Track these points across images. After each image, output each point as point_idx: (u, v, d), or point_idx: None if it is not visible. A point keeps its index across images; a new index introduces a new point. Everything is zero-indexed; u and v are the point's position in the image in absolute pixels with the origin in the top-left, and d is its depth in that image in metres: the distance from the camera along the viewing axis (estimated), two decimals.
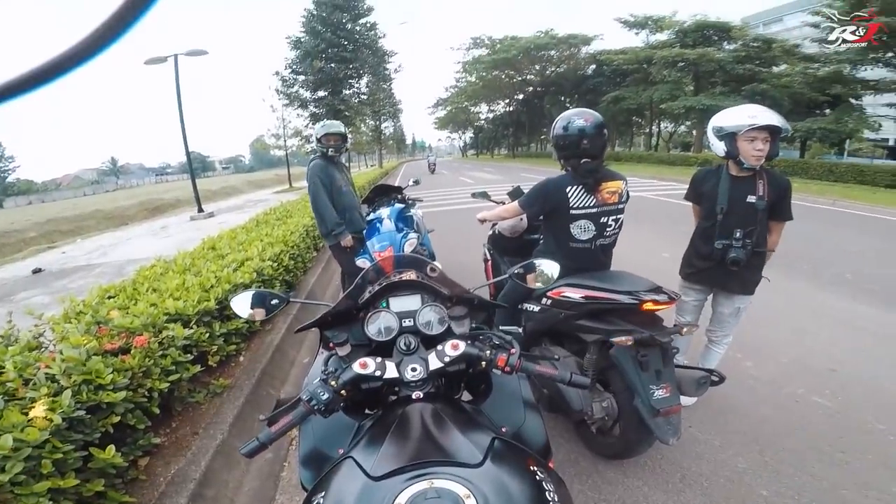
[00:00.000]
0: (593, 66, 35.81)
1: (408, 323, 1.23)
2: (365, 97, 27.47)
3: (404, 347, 1.15)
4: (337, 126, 3.65)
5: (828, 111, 21.54)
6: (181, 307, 2.44)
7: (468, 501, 0.71)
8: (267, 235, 4.47)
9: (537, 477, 0.82)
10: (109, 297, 2.79)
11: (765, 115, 2.00)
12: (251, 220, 6.01)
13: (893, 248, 6.31)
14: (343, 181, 3.62)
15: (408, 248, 3.34)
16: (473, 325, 1.28)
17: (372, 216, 3.98)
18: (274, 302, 1.34)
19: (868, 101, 21.65)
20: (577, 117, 2.11)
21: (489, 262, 3.30)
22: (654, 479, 2.02)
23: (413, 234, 3.65)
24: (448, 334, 1.20)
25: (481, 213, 2.69)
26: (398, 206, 4.08)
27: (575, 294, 2.01)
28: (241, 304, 1.32)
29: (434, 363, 1.08)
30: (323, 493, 0.82)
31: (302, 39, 23.74)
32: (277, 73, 23.85)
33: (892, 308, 3.90)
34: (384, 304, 1.26)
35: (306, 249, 4.80)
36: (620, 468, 2.08)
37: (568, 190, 2.10)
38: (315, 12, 23.29)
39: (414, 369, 1.07)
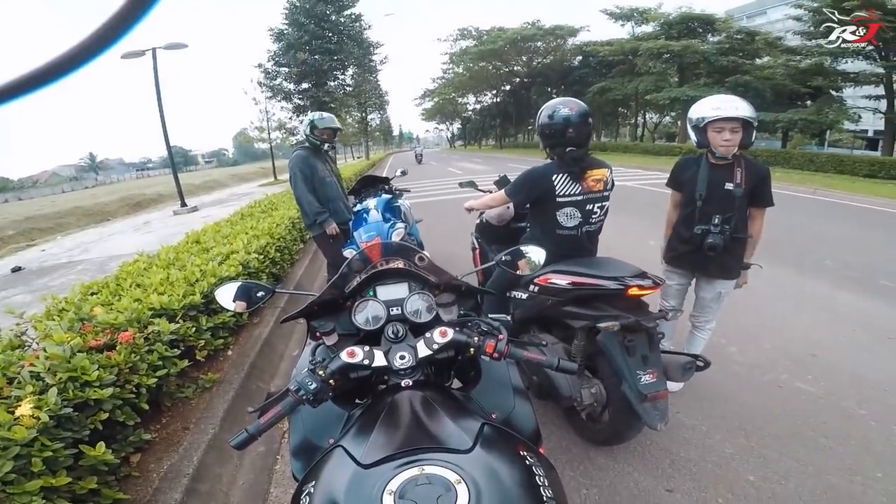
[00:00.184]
0: (579, 58, 35.91)
1: (395, 311, 1.23)
2: (350, 89, 27.19)
3: (392, 335, 1.15)
4: (334, 121, 3.66)
5: (809, 103, 21.92)
6: (166, 302, 2.40)
7: (459, 487, 0.72)
8: (252, 228, 4.42)
9: (527, 462, 0.83)
10: (92, 294, 2.74)
11: (728, 107, 2.05)
12: (236, 214, 5.94)
13: (872, 235, 6.49)
14: (326, 172, 3.60)
15: (395, 238, 3.32)
16: (461, 312, 1.28)
17: (359, 207, 3.95)
18: (260, 294, 1.32)
19: (848, 93, 22.10)
20: (562, 106, 2.13)
21: (477, 251, 3.32)
22: (644, 465, 2.05)
23: (401, 224, 3.64)
24: (436, 322, 1.20)
25: (468, 203, 2.70)
26: (385, 196, 4.06)
27: (561, 280, 2.03)
28: (227, 296, 1.31)
29: (422, 351, 1.08)
30: (313, 483, 0.82)
31: (285, 31, 23.33)
32: (260, 66, 23.47)
33: (869, 294, 4.01)
34: (371, 293, 1.26)
35: (293, 241, 4.75)
36: (611, 454, 2.11)
37: (554, 178, 2.12)
38: (298, 4, 22.84)
39: (402, 357, 1.07)
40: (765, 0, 39.69)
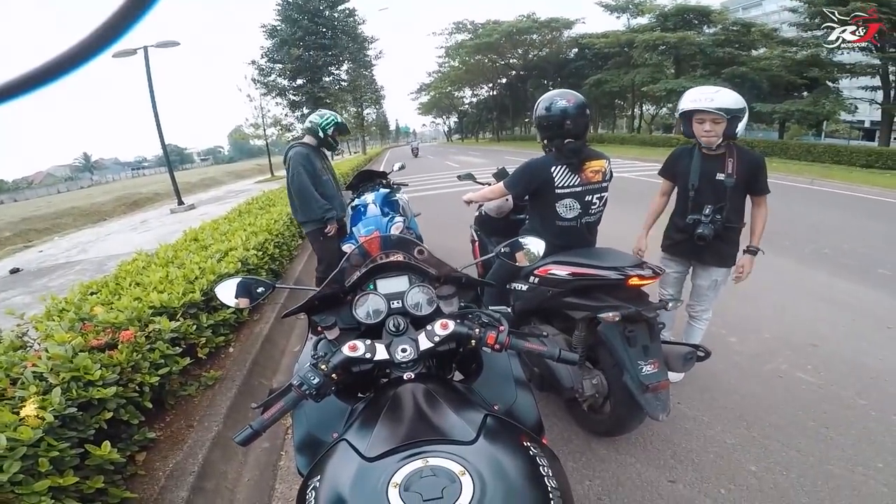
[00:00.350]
0: (575, 50, 35.84)
1: (396, 304, 1.23)
2: (345, 84, 27.06)
3: (393, 329, 1.15)
4: (343, 123, 3.62)
5: (805, 94, 21.92)
6: (166, 300, 2.40)
7: (463, 478, 0.72)
8: (250, 225, 4.42)
9: (531, 452, 0.83)
10: (92, 294, 2.73)
11: (704, 99, 2.07)
12: (233, 211, 5.92)
13: (869, 224, 6.51)
14: (323, 169, 3.57)
15: (394, 232, 3.32)
16: (462, 304, 1.28)
17: (357, 202, 3.93)
18: (260, 289, 1.32)
19: (844, 84, 22.10)
20: (560, 98, 2.12)
21: (476, 244, 3.32)
22: (646, 456, 2.06)
23: (399, 218, 3.63)
24: (437, 314, 1.20)
25: (467, 195, 2.70)
26: (383, 190, 4.05)
27: (562, 271, 2.03)
28: (227, 293, 1.30)
29: (424, 343, 1.08)
30: (318, 477, 0.82)
31: (278, 27, 23.21)
32: (254, 63, 23.35)
33: (868, 283, 4.03)
34: (371, 287, 1.26)
35: (291, 237, 4.75)
36: (613, 445, 2.12)
37: (552, 169, 2.12)
38: (291, 0, 22.69)
39: (404, 350, 1.07)
40: None
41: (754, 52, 24.66)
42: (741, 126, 2.11)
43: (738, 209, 2.27)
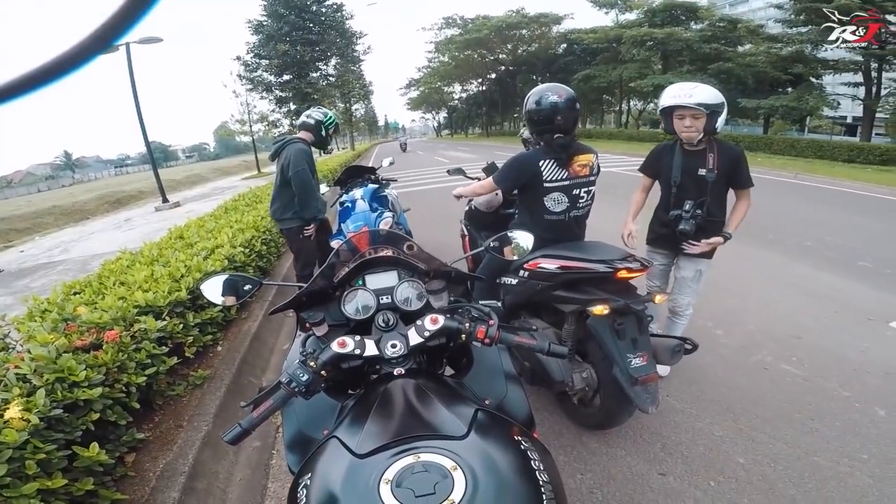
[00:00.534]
0: (564, 45, 35.84)
1: (385, 300, 1.22)
2: (333, 79, 26.81)
3: (383, 324, 1.15)
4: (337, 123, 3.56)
5: (790, 89, 22.19)
6: (151, 299, 2.36)
7: (455, 473, 0.72)
8: (237, 222, 4.36)
9: (522, 446, 0.83)
10: (75, 294, 2.68)
11: (683, 94, 2.09)
12: (220, 208, 5.84)
13: (851, 218, 6.64)
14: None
15: (384, 228, 3.29)
16: (452, 299, 1.28)
17: (345, 197, 3.88)
18: (247, 287, 1.30)
19: (828, 81, 22.45)
20: (551, 93, 2.12)
21: (466, 238, 3.32)
22: (636, 449, 2.08)
23: (388, 214, 3.60)
24: (427, 309, 1.20)
25: (457, 189, 2.71)
26: (372, 186, 4.00)
27: (551, 265, 2.04)
28: (214, 291, 1.28)
29: (414, 338, 1.08)
30: (309, 475, 0.82)
31: (264, 23, 22.88)
32: (239, 58, 23.02)
33: (849, 275, 4.12)
34: (360, 282, 1.25)
35: (279, 234, 4.69)
36: (603, 439, 2.14)
37: (541, 164, 2.13)
38: None
39: (394, 346, 1.07)
40: None
41: (740, 49, 24.91)
42: (720, 121, 2.12)
43: (720, 203, 2.29)
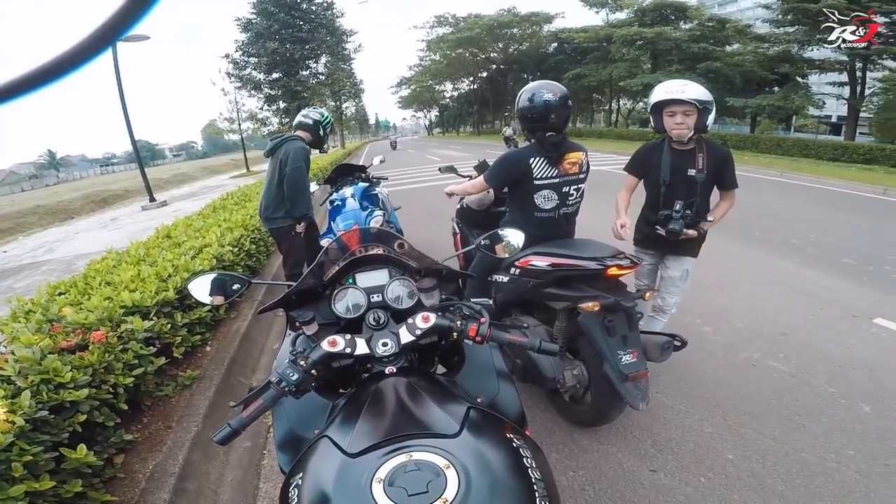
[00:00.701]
0: (555, 44, 35.91)
1: (376, 298, 1.22)
2: (323, 78, 26.65)
3: (374, 323, 1.14)
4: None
5: (776, 89, 22.47)
6: (138, 299, 2.34)
7: (448, 472, 0.72)
8: (225, 221, 4.32)
9: (514, 444, 0.84)
10: (60, 294, 2.64)
11: (676, 90, 2.07)
12: (208, 207, 5.79)
13: (835, 215, 6.76)
14: None
15: (374, 226, 3.27)
16: (443, 297, 1.28)
17: (335, 196, 3.86)
18: (235, 286, 1.28)
19: (813, 80, 22.74)
20: (545, 90, 2.11)
21: (458, 236, 3.33)
22: (627, 446, 2.10)
23: (379, 212, 3.59)
24: (418, 307, 1.20)
25: (449, 187, 2.71)
26: (362, 184, 3.98)
27: (542, 262, 2.04)
28: (202, 290, 1.26)
29: (405, 337, 1.07)
30: (301, 475, 0.81)
31: (253, 20, 22.68)
32: (228, 56, 22.80)
33: (834, 272, 4.19)
34: (350, 281, 1.25)
35: (268, 233, 4.65)
36: (595, 436, 2.16)
37: (531, 161, 2.14)
38: None
39: (385, 344, 1.06)
40: None
41: (728, 48, 25.13)
42: (710, 119, 2.12)
43: (707, 203, 2.30)
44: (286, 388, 0.96)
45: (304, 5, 23.75)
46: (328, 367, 1.05)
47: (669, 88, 2.10)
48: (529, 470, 0.79)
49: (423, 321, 1.08)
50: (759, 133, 22.32)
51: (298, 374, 0.97)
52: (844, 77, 19.71)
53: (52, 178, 62.02)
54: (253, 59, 23.09)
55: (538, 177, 2.15)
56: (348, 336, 1.06)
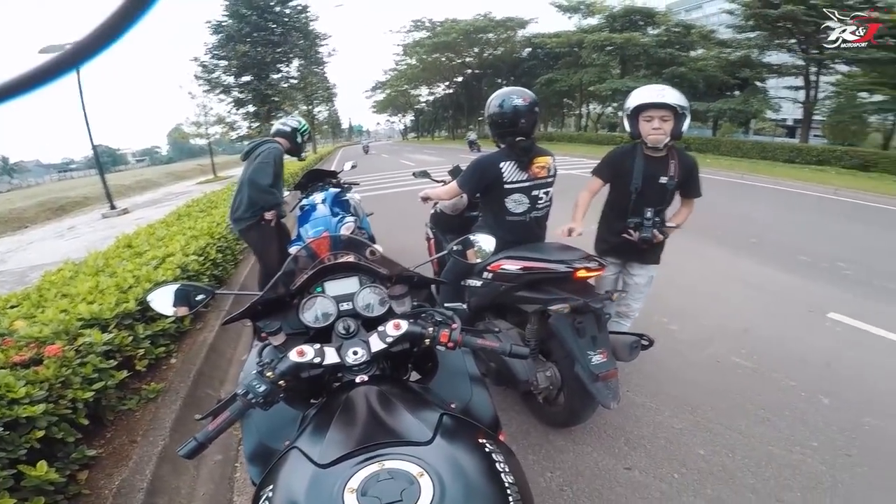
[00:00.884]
0: (528, 50, 36.34)
1: (346, 306, 1.20)
2: (295, 81, 26.25)
3: (343, 331, 1.13)
4: None
5: (737, 93, 23.45)
6: (96, 311, 2.25)
7: (422, 479, 0.72)
8: (190, 229, 4.19)
9: (487, 449, 0.84)
10: (11, 307, 2.52)
11: (656, 94, 2.06)
12: (172, 214, 5.62)
13: (790, 215, 7.12)
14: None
15: (345, 233, 3.21)
16: (415, 303, 1.28)
17: (305, 202, 3.79)
18: (200, 297, 1.24)
19: (771, 84, 23.84)
20: (514, 96, 2.15)
21: (432, 241, 3.33)
22: (601, 444, 2.13)
23: (350, 218, 3.53)
24: (389, 315, 1.19)
25: (423, 192, 2.72)
26: (333, 190, 3.89)
27: (513, 266, 2.07)
28: (162, 301, 1.21)
29: (376, 345, 1.07)
30: (271, 487, 0.80)
31: (224, 23, 22.15)
32: (196, 59, 22.20)
33: (790, 270, 4.40)
34: (319, 289, 1.23)
35: (235, 241, 4.54)
36: (569, 436, 2.18)
37: (501, 166, 2.17)
38: None
39: (355, 353, 1.05)
40: None
41: (693, 53, 25.96)
42: (685, 125, 2.11)
43: (668, 210, 2.32)
44: (253, 400, 0.94)
45: (278, 8, 23.35)
46: (297, 378, 1.03)
47: (649, 93, 2.09)
48: (502, 475, 0.79)
49: (395, 329, 1.07)
50: (720, 136, 23.20)
51: (266, 385, 0.95)
52: (800, 81, 20.70)
53: (4, 184, 58.75)
54: (223, 63, 22.56)
55: (509, 181, 2.18)
56: (317, 345, 1.04)
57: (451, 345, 1.08)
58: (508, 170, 2.17)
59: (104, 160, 15.33)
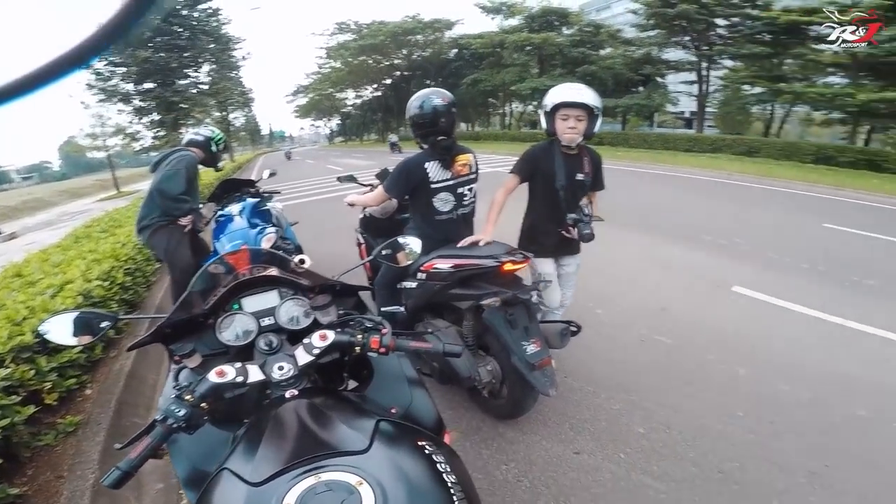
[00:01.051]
0: (455, 51, 36.82)
1: (268, 321, 1.17)
2: (206, 87, 24.61)
3: (266, 347, 1.09)
4: None
5: (641, 89, 25.51)
6: None
7: (361, 488, 0.71)
8: (91, 252, 3.78)
9: (426, 451, 0.84)
10: None
11: (574, 94, 2.11)
12: (68, 237, 5.07)
13: (691, 199, 7.89)
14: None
15: (266, 245, 3.03)
16: (341, 312, 1.25)
17: (220, 213, 3.54)
18: (104, 323, 1.16)
19: (670, 80, 26.19)
20: (433, 97, 2.19)
21: (363, 246, 3.27)
22: (549, 432, 2.17)
23: (271, 229, 3.32)
24: (315, 326, 1.16)
25: (349, 198, 2.67)
26: (251, 200, 3.65)
27: (445, 265, 2.10)
28: (61, 331, 1.12)
29: (303, 358, 1.04)
30: None
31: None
32: (89, 66, 20.03)
33: (696, 249, 4.86)
34: (236, 307, 1.18)
35: (146, 261, 4.16)
36: (518, 427, 2.21)
37: (426, 166, 2.20)
38: None
39: (281, 368, 1.02)
40: None
41: (602, 52, 27.72)
42: (598, 125, 2.17)
43: None
44: (174, 425, 0.89)
45: (185, 12, 21.73)
46: (221, 398, 0.99)
47: (567, 91, 2.13)
48: (444, 475, 0.79)
49: (321, 339, 1.05)
50: (629, 130, 25.11)
51: (185, 408, 0.91)
52: (694, 76, 22.95)
53: None
54: (121, 69, 20.59)
55: (434, 180, 2.21)
56: (238, 364, 1.00)
57: (382, 350, 1.07)
58: (433, 169, 2.20)
59: None
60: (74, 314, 1.15)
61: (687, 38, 21.93)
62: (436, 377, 2.27)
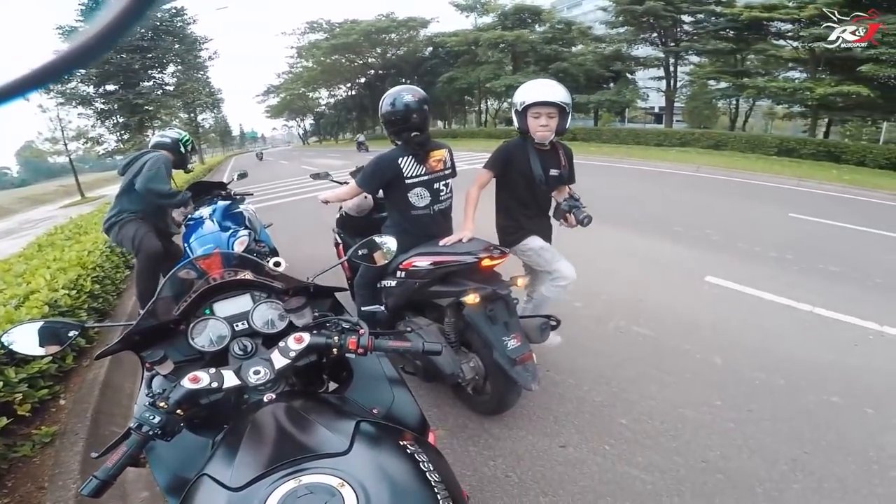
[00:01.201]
0: (430, 49, 36.66)
1: (241, 326, 1.15)
2: (171, 88, 23.88)
3: (240, 352, 1.07)
4: None
5: (611, 85, 25.99)
6: None
7: (343, 490, 0.71)
8: (56, 260, 3.67)
9: (408, 451, 0.84)
10: None
11: (546, 91, 2.12)
12: (31, 245, 4.92)
13: (662, 191, 8.07)
14: None
15: (238, 248, 2.95)
16: (317, 314, 1.24)
17: (191, 216, 3.44)
18: (71, 333, 1.13)
19: (640, 76, 26.76)
20: (405, 94, 2.20)
21: (341, 246, 3.23)
22: (534, 426, 2.19)
23: (244, 232, 3.25)
24: (291, 329, 1.15)
25: (323, 195, 2.64)
26: (223, 203, 3.57)
27: (424, 262, 2.10)
28: (25, 341, 1.09)
29: (279, 361, 1.03)
30: None
31: (79, 28, 19.36)
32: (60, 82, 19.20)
33: (669, 240, 4.97)
34: (208, 311, 1.16)
35: (114, 269, 4.02)
36: (504, 423, 2.21)
37: (400, 161, 2.20)
38: None
39: (257, 372, 1.01)
40: None
41: (574, 49, 28.07)
42: (568, 121, 2.20)
43: None
44: (150, 432, 0.88)
45: (147, 11, 21.02)
46: (197, 404, 0.99)
47: (538, 90, 2.13)
48: (427, 473, 0.79)
49: (297, 342, 1.04)
50: (601, 126, 25.55)
51: (160, 416, 0.90)
52: (662, 72, 23.51)
53: None
54: (80, 71, 19.80)
55: (409, 175, 2.21)
56: (213, 370, 0.99)
57: (360, 351, 1.07)
58: (407, 165, 2.20)
59: None
60: (39, 324, 1.12)
61: (655, 34, 22.51)
62: (420, 375, 2.27)
